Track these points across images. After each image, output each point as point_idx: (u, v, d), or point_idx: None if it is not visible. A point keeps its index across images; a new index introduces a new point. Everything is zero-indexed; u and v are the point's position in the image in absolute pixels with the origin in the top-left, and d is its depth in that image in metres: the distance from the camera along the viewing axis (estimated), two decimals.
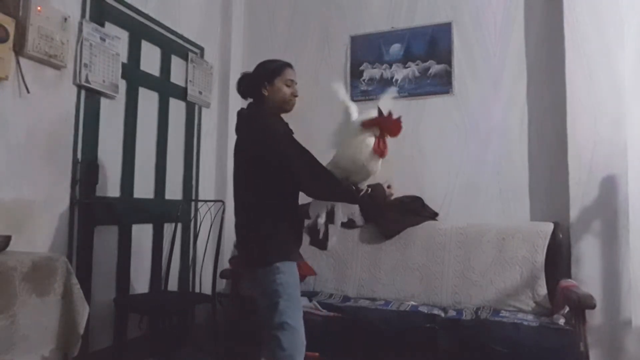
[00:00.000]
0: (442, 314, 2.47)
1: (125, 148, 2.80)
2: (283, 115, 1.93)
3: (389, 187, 1.91)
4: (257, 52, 3.65)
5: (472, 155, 3.07)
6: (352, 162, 1.81)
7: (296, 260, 1.80)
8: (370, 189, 1.82)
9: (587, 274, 2.61)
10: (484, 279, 2.67)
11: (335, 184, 1.77)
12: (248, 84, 1.90)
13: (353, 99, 3.37)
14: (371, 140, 1.79)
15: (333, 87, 1.94)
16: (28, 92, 2.19)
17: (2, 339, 1.62)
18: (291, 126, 1.94)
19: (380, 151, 1.79)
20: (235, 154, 1.88)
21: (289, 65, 1.91)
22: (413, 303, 2.66)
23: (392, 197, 1.92)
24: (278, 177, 1.75)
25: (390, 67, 3.30)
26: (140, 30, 2.93)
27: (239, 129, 1.88)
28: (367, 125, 1.81)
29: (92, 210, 2.54)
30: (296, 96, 1.90)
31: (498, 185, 3.00)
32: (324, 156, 1.84)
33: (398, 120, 1.79)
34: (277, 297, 1.70)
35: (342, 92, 1.97)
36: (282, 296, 1.70)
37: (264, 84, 1.85)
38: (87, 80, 2.47)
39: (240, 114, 1.90)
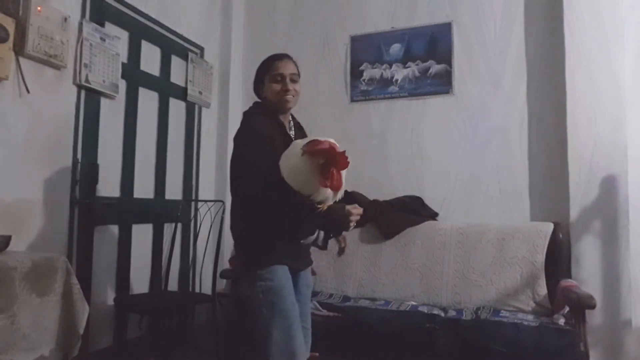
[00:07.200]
0: (442, 314, 2.47)
1: (125, 148, 2.80)
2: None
3: (354, 208, 1.56)
4: (257, 52, 3.64)
5: (472, 155, 3.07)
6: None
7: (285, 263, 1.67)
8: (325, 208, 1.53)
9: (587, 274, 2.61)
10: (484, 279, 2.67)
11: (281, 200, 1.52)
12: (253, 86, 1.83)
13: (353, 99, 3.39)
14: (310, 167, 1.44)
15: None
16: (28, 92, 2.20)
17: (2, 339, 1.62)
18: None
19: (335, 186, 1.46)
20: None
21: (278, 58, 1.73)
22: (413, 303, 2.66)
23: (354, 221, 1.56)
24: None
25: (390, 67, 3.30)
26: (140, 30, 2.93)
27: None
28: (310, 152, 1.44)
29: (92, 210, 2.54)
30: (287, 90, 1.68)
31: (498, 185, 3.00)
32: None
33: (343, 153, 1.45)
34: (260, 306, 1.63)
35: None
36: (264, 305, 1.62)
37: (259, 86, 1.78)
38: (87, 80, 2.47)
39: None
